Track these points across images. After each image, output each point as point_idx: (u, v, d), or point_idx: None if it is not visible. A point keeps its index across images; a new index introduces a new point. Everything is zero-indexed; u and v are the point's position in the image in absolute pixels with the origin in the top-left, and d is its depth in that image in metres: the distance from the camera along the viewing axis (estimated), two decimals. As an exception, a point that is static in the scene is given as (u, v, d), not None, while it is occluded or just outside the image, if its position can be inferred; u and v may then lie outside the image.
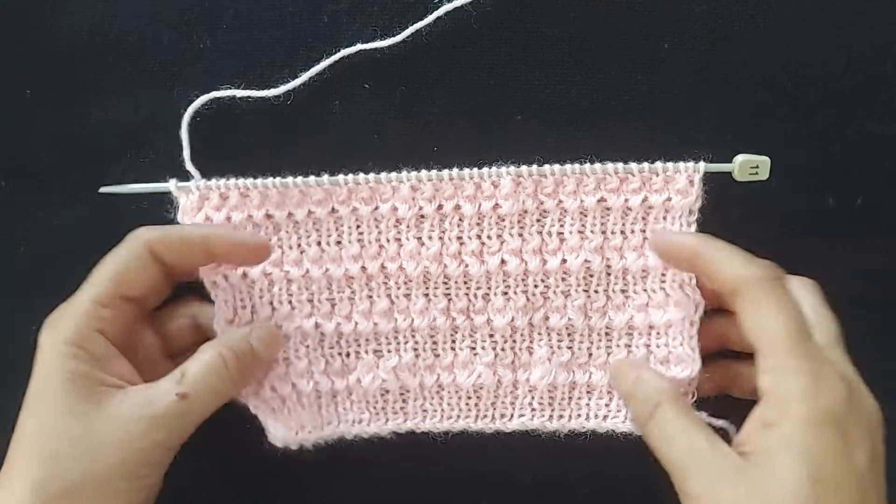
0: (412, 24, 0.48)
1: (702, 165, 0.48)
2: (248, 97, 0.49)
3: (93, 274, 0.45)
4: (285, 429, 0.50)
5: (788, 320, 0.40)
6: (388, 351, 0.51)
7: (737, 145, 0.48)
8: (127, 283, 0.45)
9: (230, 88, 0.49)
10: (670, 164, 0.48)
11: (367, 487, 0.54)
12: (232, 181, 0.48)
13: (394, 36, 0.48)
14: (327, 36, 0.49)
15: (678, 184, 0.48)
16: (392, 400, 0.51)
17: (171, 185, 0.48)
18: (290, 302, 0.50)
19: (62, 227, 0.51)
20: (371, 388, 0.50)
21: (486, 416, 0.51)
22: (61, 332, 0.43)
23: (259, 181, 0.49)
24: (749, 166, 0.48)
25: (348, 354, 0.51)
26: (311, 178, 0.49)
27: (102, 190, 0.49)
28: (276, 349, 0.49)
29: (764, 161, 0.48)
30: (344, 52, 0.49)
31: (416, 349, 0.50)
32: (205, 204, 0.49)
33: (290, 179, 0.49)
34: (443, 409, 0.51)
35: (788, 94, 0.47)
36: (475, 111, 0.51)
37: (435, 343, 0.50)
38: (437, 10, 0.48)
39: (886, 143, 0.50)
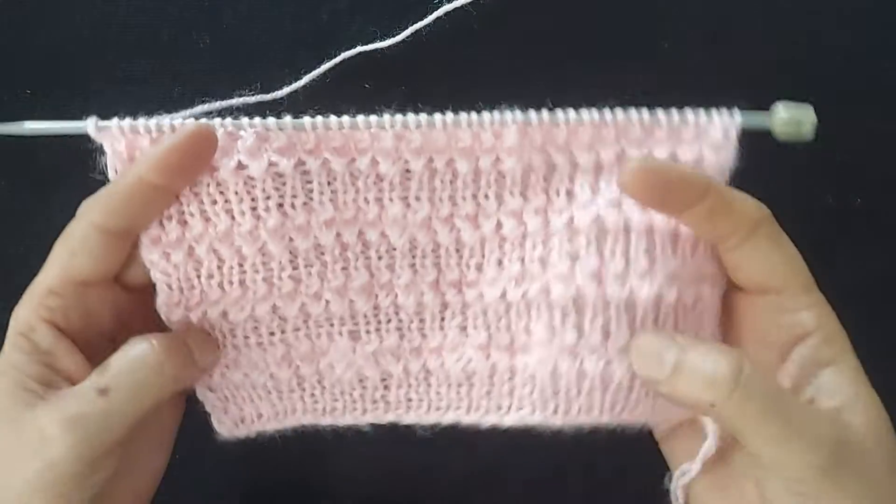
0: (412, 23, 0.47)
1: (738, 117, 0.40)
2: (245, 103, 0.47)
3: (49, 255, 0.40)
4: (234, 418, 0.43)
5: (799, 255, 0.39)
6: (367, 332, 0.42)
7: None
8: (77, 267, 0.39)
9: (229, 88, 0.47)
10: (702, 113, 0.40)
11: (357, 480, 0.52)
12: (167, 119, 0.38)
13: (393, 35, 0.47)
14: (327, 34, 0.48)
15: (712, 137, 0.40)
16: (371, 387, 0.43)
17: (90, 123, 0.38)
18: (241, 282, 0.40)
19: (62, 227, 0.45)
20: (346, 376, 0.43)
21: (479, 408, 0.43)
22: (17, 320, 0.39)
23: (203, 120, 0.38)
24: (791, 123, 0.41)
25: (318, 335, 0.42)
26: (271, 119, 0.39)
27: (27, 126, 0.42)
28: (214, 361, 0.42)
29: (810, 118, 0.41)
30: (344, 54, 0.47)
31: (399, 330, 0.42)
32: (137, 154, 0.38)
33: (242, 120, 0.39)
34: (430, 399, 0.43)
35: (787, 93, 0.42)
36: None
37: (422, 322, 0.42)
38: (436, 9, 0.47)
39: (886, 142, 0.50)
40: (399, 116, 0.40)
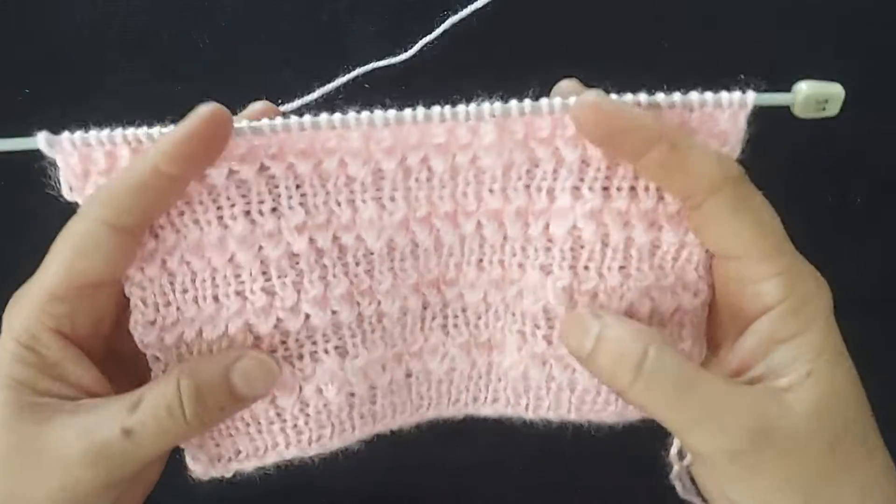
0: (411, 22, 0.47)
1: (751, 97, 0.36)
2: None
3: (47, 257, 0.36)
4: (210, 455, 0.41)
5: (777, 218, 0.35)
6: (354, 346, 0.39)
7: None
8: (87, 269, 0.35)
9: (229, 88, 0.45)
10: (710, 97, 0.36)
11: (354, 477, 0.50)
12: (119, 131, 0.36)
13: (392, 35, 0.47)
14: (327, 35, 0.48)
15: (719, 124, 0.36)
16: (359, 404, 0.41)
17: (41, 139, 0.36)
18: (215, 297, 0.38)
19: (62, 226, 0.44)
20: (336, 400, 0.40)
21: (458, 400, 0.42)
22: (14, 329, 0.36)
23: (156, 129, 0.36)
24: (815, 100, 0.36)
25: (301, 357, 0.39)
26: (227, 124, 0.36)
27: None
28: (269, 386, 0.38)
29: (835, 93, 0.35)
30: (358, 70, 0.47)
31: (383, 339, 0.40)
32: (91, 168, 0.36)
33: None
34: (411, 400, 0.42)
35: (787, 85, 0.38)
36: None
37: (404, 327, 0.40)
38: (439, 12, 0.47)
39: (886, 142, 0.50)
40: (366, 114, 0.36)
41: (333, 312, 0.39)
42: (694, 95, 0.36)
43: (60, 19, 0.49)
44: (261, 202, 0.37)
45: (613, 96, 0.36)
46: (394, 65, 0.47)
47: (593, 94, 0.35)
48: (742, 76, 0.37)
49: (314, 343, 0.39)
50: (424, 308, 0.40)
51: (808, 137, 0.46)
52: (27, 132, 0.43)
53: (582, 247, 0.38)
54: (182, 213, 0.37)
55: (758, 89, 0.36)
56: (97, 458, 0.34)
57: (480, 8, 0.45)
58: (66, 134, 0.36)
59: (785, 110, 0.39)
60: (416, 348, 0.41)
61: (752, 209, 0.35)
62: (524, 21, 0.47)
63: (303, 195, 0.37)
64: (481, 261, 0.39)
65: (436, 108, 0.36)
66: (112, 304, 0.38)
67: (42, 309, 0.35)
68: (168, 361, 0.39)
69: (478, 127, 0.36)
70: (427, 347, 0.41)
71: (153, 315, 0.38)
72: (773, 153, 0.38)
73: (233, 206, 0.37)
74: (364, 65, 0.47)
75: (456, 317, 0.41)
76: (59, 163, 0.36)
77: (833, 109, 0.36)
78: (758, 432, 0.33)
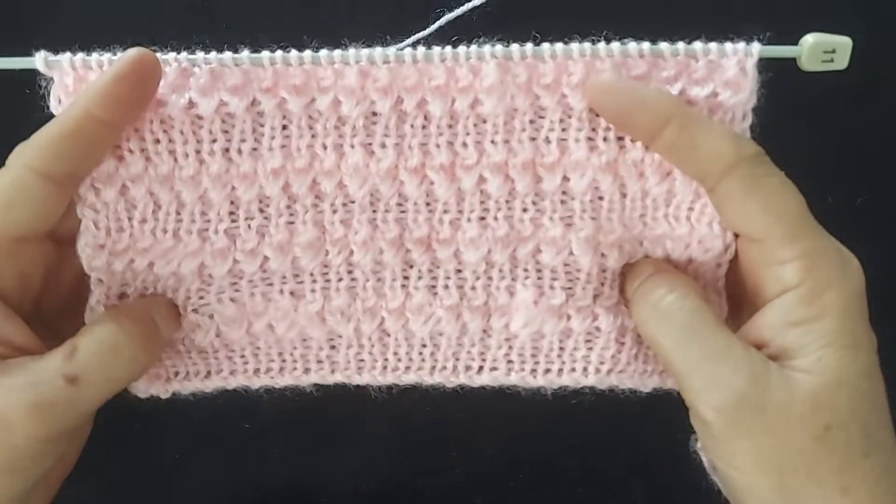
0: (411, 22, 0.45)
1: (756, 47, 0.35)
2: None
3: None
4: (149, 376, 0.39)
5: (799, 197, 0.34)
6: (313, 291, 0.39)
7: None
8: (14, 222, 0.35)
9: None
10: (714, 46, 0.35)
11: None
12: (119, 54, 0.36)
13: (392, 33, 0.44)
14: (327, 35, 0.45)
15: (727, 72, 0.35)
16: (316, 347, 0.40)
17: (39, 58, 0.36)
18: (175, 232, 0.37)
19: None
20: (287, 336, 0.39)
21: (444, 368, 0.40)
22: None
23: (154, 53, 0.36)
24: (822, 50, 0.35)
25: (252, 295, 0.39)
26: (227, 53, 0.36)
27: None
28: (176, 331, 0.39)
29: (843, 43, 0.35)
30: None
31: (353, 289, 0.39)
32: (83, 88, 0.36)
33: (198, 55, 0.36)
34: (386, 360, 0.40)
35: (788, 92, 0.39)
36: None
37: (380, 281, 0.39)
38: (437, 10, 0.45)
39: (887, 142, 0.49)
40: (365, 51, 0.36)
41: (295, 258, 0.38)
42: (698, 45, 0.36)
43: (60, 17, 0.48)
44: (242, 140, 0.37)
45: (616, 45, 0.36)
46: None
47: (607, 74, 0.35)
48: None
49: (269, 285, 0.39)
50: (410, 266, 0.39)
51: (808, 137, 0.46)
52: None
53: (601, 198, 0.37)
54: (157, 141, 0.36)
55: (763, 40, 0.36)
56: (42, 413, 0.33)
57: (479, 6, 0.45)
58: (66, 54, 0.36)
59: (788, 105, 0.39)
60: (395, 305, 0.39)
61: (766, 191, 0.34)
62: (525, 23, 0.46)
63: (286, 137, 0.37)
64: (483, 218, 0.38)
65: (436, 48, 0.36)
66: (40, 260, 0.37)
67: None
68: (111, 286, 0.38)
69: (478, 68, 0.36)
70: (410, 306, 0.39)
71: (104, 239, 0.37)
72: (774, 153, 0.36)
73: (213, 141, 0.36)
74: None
75: (448, 278, 0.39)
76: (55, 80, 0.36)
77: (841, 62, 0.35)
78: (748, 395, 0.32)
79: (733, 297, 0.38)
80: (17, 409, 0.32)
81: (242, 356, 0.40)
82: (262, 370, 0.40)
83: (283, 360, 0.40)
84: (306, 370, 0.40)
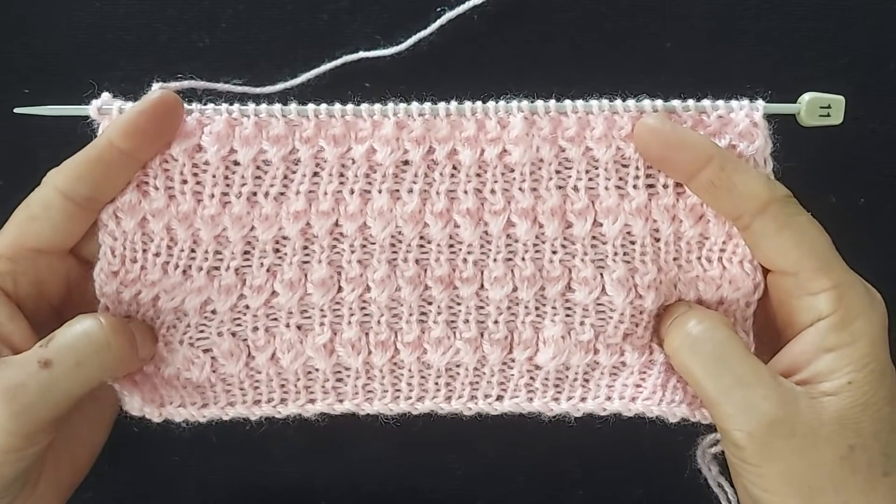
0: (412, 23, 0.46)
1: (760, 104, 0.39)
2: (245, 93, 0.45)
3: (7, 222, 0.39)
4: (143, 398, 0.40)
5: (825, 235, 0.37)
6: (322, 325, 0.40)
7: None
8: (34, 233, 0.38)
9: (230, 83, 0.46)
10: (721, 103, 0.39)
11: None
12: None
13: (394, 35, 0.46)
14: (327, 35, 0.47)
15: (739, 126, 0.39)
16: (322, 379, 0.41)
17: (93, 107, 0.39)
18: (185, 269, 0.40)
19: None
20: (292, 367, 0.41)
21: (461, 396, 0.41)
22: None
23: (201, 106, 0.39)
24: (819, 105, 0.39)
25: (255, 329, 0.41)
26: (276, 106, 0.39)
27: (17, 111, 0.41)
28: (151, 354, 0.41)
29: (837, 100, 0.39)
30: (346, 58, 0.46)
31: (365, 323, 0.41)
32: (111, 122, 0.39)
33: (249, 107, 0.39)
34: (398, 390, 0.41)
35: (790, 94, 0.41)
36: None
37: (396, 317, 0.41)
38: (438, 12, 0.46)
39: (888, 143, 0.49)
40: (402, 105, 0.39)
41: (306, 294, 0.40)
42: (706, 102, 0.39)
43: (60, 19, 0.48)
44: (271, 185, 0.39)
45: (632, 102, 0.39)
46: (384, 57, 0.46)
47: (652, 118, 0.38)
48: (748, 85, 0.40)
49: (273, 319, 0.41)
50: (429, 303, 0.41)
51: (810, 139, 0.46)
52: (27, 130, 0.47)
53: (633, 242, 0.39)
54: (185, 181, 0.39)
55: (764, 98, 0.39)
56: (14, 396, 0.34)
57: (480, 5, 0.45)
58: (117, 103, 0.39)
59: (786, 101, 0.41)
60: (410, 338, 0.41)
61: (797, 228, 0.37)
62: (525, 21, 0.48)
63: (315, 184, 0.40)
64: (510, 259, 0.40)
65: (467, 103, 0.39)
66: (58, 273, 0.39)
67: None
68: (116, 314, 0.40)
69: (506, 121, 0.39)
70: (429, 339, 0.41)
71: (117, 266, 0.39)
72: (776, 154, 0.39)
73: (243, 185, 0.39)
74: (364, 67, 0.47)
75: (469, 313, 0.41)
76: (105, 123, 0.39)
77: (837, 117, 0.39)
78: (778, 420, 0.34)
79: (760, 334, 0.40)
80: None
81: (241, 388, 0.41)
82: (264, 400, 0.41)
83: (286, 392, 0.41)
84: (311, 400, 0.41)
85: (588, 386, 0.41)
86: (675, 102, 0.39)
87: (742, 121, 0.38)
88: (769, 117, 0.39)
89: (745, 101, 0.39)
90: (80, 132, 0.41)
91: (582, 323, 0.40)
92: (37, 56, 0.48)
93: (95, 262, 0.40)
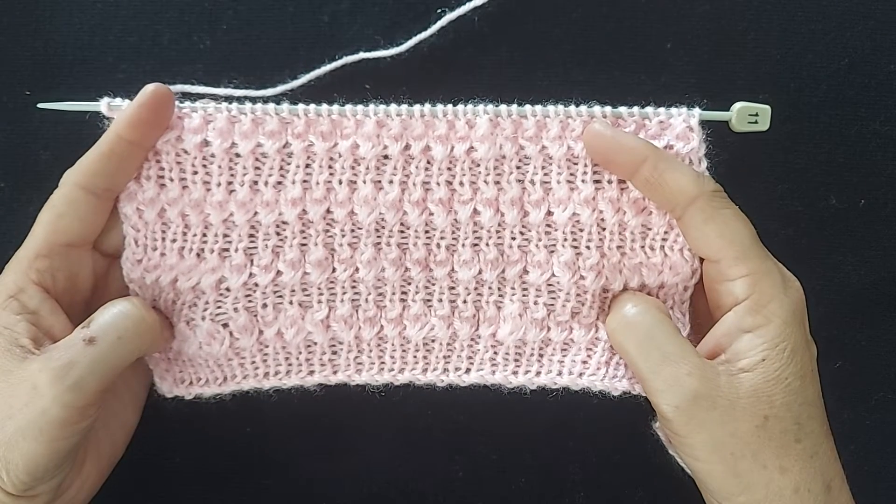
0: (412, 24, 0.47)
1: (696, 111, 0.44)
2: (246, 97, 0.47)
3: (35, 224, 0.43)
4: (174, 379, 0.46)
5: (748, 226, 0.41)
6: (319, 302, 0.45)
7: (740, 142, 0.46)
8: (64, 228, 0.42)
9: (230, 87, 0.47)
10: (662, 110, 0.44)
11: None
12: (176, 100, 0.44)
13: (395, 36, 0.47)
14: (328, 36, 0.48)
15: (676, 129, 0.44)
16: (319, 352, 0.46)
17: (104, 104, 0.44)
18: (199, 252, 0.44)
19: None
20: (294, 341, 0.45)
21: (436, 368, 0.46)
22: (6, 283, 0.41)
23: (205, 104, 0.44)
24: (748, 113, 0.44)
25: (265, 305, 0.45)
26: (270, 105, 0.44)
27: (41, 106, 0.45)
28: (170, 339, 0.45)
29: (764, 109, 0.44)
30: (346, 59, 0.48)
31: (355, 301, 0.46)
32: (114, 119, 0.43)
33: (246, 106, 0.44)
34: (382, 362, 0.46)
35: (791, 95, 0.45)
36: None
37: (381, 295, 0.46)
38: (439, 14, 0.47)
39: (889, 144, 0.50)
40: (382, 106, 0.45)
41: (305, 273, 0.45)
42: (649, 109, 0.44)
43: (61, 20, 0.49)
44: (270, 175, 0.44)
45: (584, 108, 0.44)
46: (385, 59, 0.48)
47: (598, 123, 0.43)
48: (748, 86, 0.43)
49: (279, 296, 0.45)
50: (408, 283, 0.46)
51: (812, 139, 0.48)
52: (28, 132, 0.49)
53: (581, 230, 0.44)
54: (195, 172, 0.44)
55: (702, 106, 0.44)
56: (66, 372, 0.38)
57: (480, 6, 0.47)
58: (126, 101, 0.43)
59: (787, 103, 0.44)
60: (393, 315, 0.46)
61: (721, 220, 0.41)
62: (526, 22, 0.49)
63: (308, 174, 0.45)
64: (476, 244, 0.45)
65: (439, 105, 0.45)
66: (87, 265, 0.44)
67: (29, 265, 0.41)
68: (143, 296, 0.45)
69: (473, 121, 0.44)
70: (408, 316, 0.46)
71: (141, 255, 0.44)
72: (778, 154, 0.43)
73: (245, 174, 0.44)
74: (364, 68, 0.48)
75: (442, 293, 0.46)
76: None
77: (763, 124, 0.44)
78: (701, 394, 0.39)
79: (701, 317, 0.45)
80: (44, 373, 0.38)
81: (253, 362, 0.46)
82: (271, 373, 0.46)
83: (290, 364, 0.46)
84: (311, 372, 0.46)
85: (542, 361, 0.46)
86: (622, 109, 0.44)
87: (679, 125, 0.44)
88: (775, 118, 0.43)
89: (683, 109, 0.44)
90: (80, 134, 0.43)
91: (535, 302, 0.45)
92: (39, 58, 0.50)
93: (118, 252, 0.44)
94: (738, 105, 0.44)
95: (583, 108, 0.44)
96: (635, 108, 0.44)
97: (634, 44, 0.49)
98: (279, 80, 0.47)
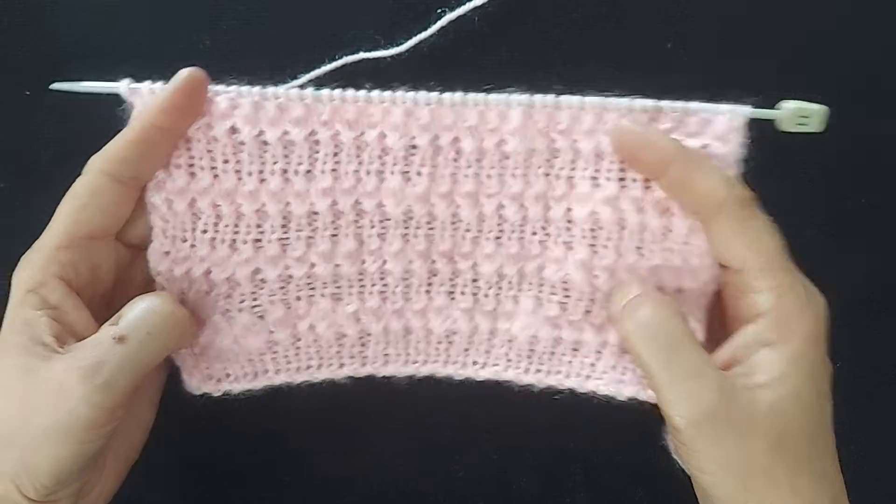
0: (413, 25, 0.47)
1: (745, 109, 0.41)
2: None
3: (55, 214, 0.41)
4: (202, 375, 0.45)
5: (777, 238, 0.40)
6: (350, 294, 0.45)
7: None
8: (87, 219, 0.40)
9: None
10: (707, 105, 0.41)
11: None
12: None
13: (394, 35, 0.47)
14: (328, 36, 0.48)
15: (718, 128, 0.41)
16: (349, 344, 0.46)
17: (123, 85, 0.42)
18: (232, 242, 0.43)
19: None
20: (326, 334, 0.45)
21: (455, 362, 0.46)
22: (24, 278, 0.39)
23: (226, 87, 0.42)
24: (799, 115, 0.41)
25: (298, 298, 0.44)
26: (294, 90, 0.43)
27: (53, 86, 0.44)
28: (197, 333, 0.44)
29: (818, 110, 0.41)
30: (347, 58, 0.47)
31: (383, 293, 0.45)
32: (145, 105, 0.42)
33: (269, 89, 0.42)
34: (408, 354, 0.46)
35: (790, 93, 0.42)
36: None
37: (408, 287, 0.45)
38: (439, 14, 0.47)
39: (889, 143, 0.50)
40: (411, 93, 0.42)
41: (337, 265, 0.44)
42: (694, 104, 0.42)
43: (61, 20, 0.49)
44: (299, 164, 0.43)
45: (624, 100, 0.42)
46: (385, 58, 0.47)
47: (626, 119, 0.41)
48: (749, 86, 0.41)
49: (312, 288, 0.44)
50: (434, 275, 0.45)
51: (815, 139, 0.46)
52: (29, 131, 0.49)
53: (601, 228, 0.43)
54: (226, 161, 0.42)
55: (748, 103, 0.41)
56: (95, 372, 0.36)
57: (480, 6, 0.46)
58: (146, 83, 0.42)
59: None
60: (419, 307, 0.45)
61: (749, 229, 0.39)
62: (526, 22, 0.48)
63: (337, 163, 0.43)
64: (499, 238, 0.44)
65: (471, 94, 0.42)
66: (110, 257, 0.42)
67: (49, 258, 0.39)
68: (171, 290, 0.43)
69: (506, 113, 0.42)
70: (431, 308, 0.45)
71: (169, 247, 0.43)
72: (780, 155, 0.41)
73: (275, 163, 0.43)
74: (364, 68, 0.48)
75: (465, 286, 0.45)
76: (137, 105, 0.42)
77: (815, 125, 0.41)
78: (717, 410, 0.38)
79: (713, 324, 0.44)
80: (72, 373, 0.36)
81: (286, 356, 0.45)
82: (303, 367, 0.46)
83: (321, 358, 0.46)
84: (341, 365, 0.46)
85: (552, 361, 0.45)
86: (664, 102, 0.41)
87: (722, 124, 0.41)
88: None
89: (729, 106, 0.41)
90: (81, 134, 0.42)
91: (549, 300, 0.44)
92: (38, 57, 0.49)
93: (142, 243, 0.43)
94: (791, 104, 0.41)
95: (623, 100, 0.42)
96: (678, 103, 0.42)
97: (634, 44, 0.48)
98: (279, 79, 0.46)
